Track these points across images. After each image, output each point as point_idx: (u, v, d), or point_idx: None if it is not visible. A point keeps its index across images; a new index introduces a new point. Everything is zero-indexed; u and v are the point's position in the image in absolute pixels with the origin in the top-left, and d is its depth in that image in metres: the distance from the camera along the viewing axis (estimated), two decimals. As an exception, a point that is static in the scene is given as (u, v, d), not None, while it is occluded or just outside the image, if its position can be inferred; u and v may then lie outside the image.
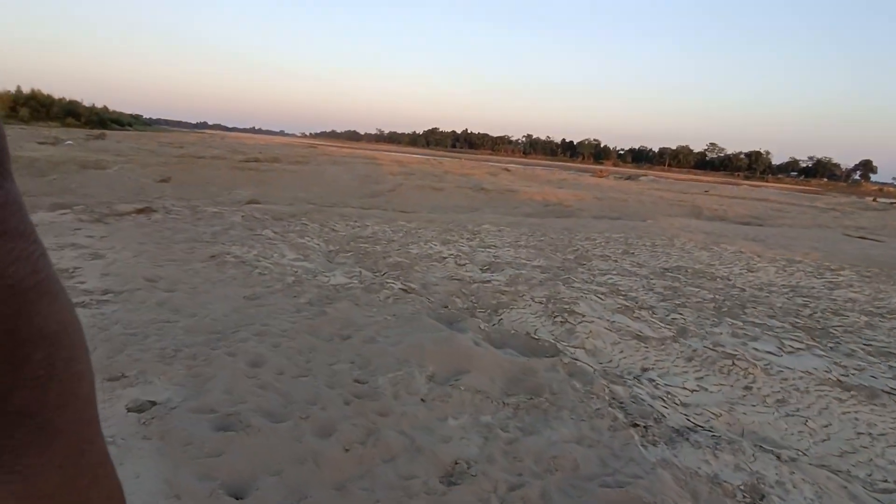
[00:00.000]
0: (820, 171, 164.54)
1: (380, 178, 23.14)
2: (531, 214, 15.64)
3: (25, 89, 37.61)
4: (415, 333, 3.36)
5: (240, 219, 7.39)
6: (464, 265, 5.99)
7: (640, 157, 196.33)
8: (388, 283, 4.77)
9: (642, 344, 3.94)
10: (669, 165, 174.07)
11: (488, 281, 5.31)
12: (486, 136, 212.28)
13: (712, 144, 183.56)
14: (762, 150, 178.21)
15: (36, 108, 36.00)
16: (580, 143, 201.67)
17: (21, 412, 0.18)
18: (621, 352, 3.80)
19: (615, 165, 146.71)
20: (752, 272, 7.41)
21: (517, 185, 21.92)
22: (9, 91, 36.44)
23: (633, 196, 22.52)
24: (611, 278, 6.08)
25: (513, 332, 3.86)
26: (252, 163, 23.16)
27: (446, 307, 4.38)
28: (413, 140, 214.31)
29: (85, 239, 5.41)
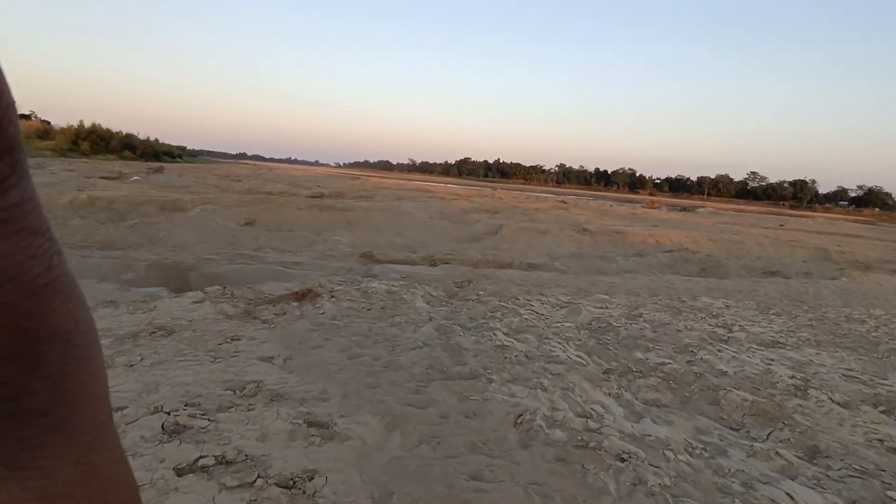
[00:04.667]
0: (872, 201, 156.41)
1: (461, 216, 21.14)
2: (672, 266, 13.24)
3: (87, 123, 37.47)
4: None
5: (425, 303, 5.28)
6: (853, 404, 3.68)
7: (677, 186, 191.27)
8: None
9: None
10: (709, 195, 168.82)
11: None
12: (518, 165, 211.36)
13: (753, 173, 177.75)
14: (808, 179, 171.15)
15: (96, 141, 35.59)
16: (615, 173, 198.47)
17: (36, 411, 0.18)
18: None
19: (651, 195, 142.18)
20: None
21: (619, 226, 19.51)
22: (72, 125, 36.26)
23: (751, 238, 19.80)
24: None
25: None
26: (321, 199, 21.65)
27: None
28: (446, 170, 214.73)
29: (269, 370, 3.33)
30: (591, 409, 3.05)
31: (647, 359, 4.27)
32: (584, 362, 4.01)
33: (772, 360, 4.57)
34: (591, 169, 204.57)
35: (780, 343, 5.26)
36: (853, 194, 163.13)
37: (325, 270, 8.27)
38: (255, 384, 3.05)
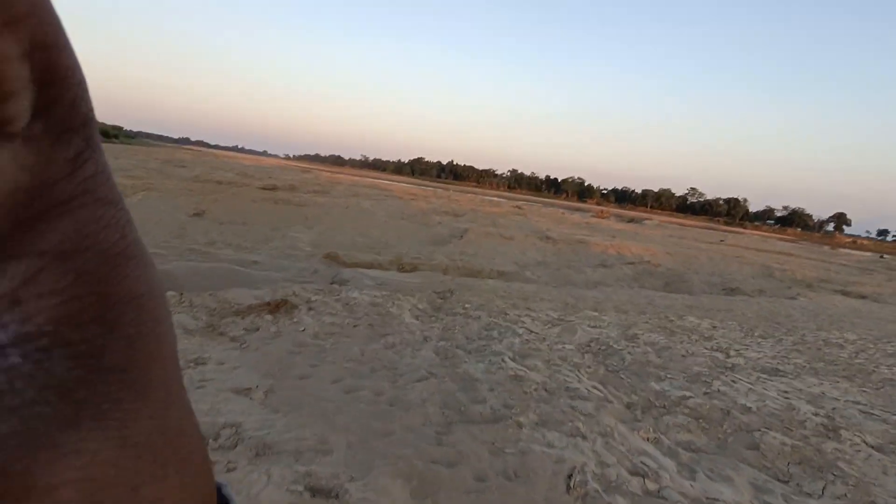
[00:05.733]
0: (795, 221, 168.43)
1: (422, 218, 20.59)
2: (638, 279, 13.26)
3: None
4: None
5: (414, 319, 4.71)
6: (886, 448, 3.45)
7: (623, 197, 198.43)
8: None
9: None
10: (652, 207, 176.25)
11: None
12: (471, 167, 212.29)
13: (693, 189, 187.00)
14: (740, 198, 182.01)
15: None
16: (565, 181, 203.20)
17: (115, 367, 0.19)
18: None
19: (599, 204, 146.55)
20: None
21: (579, 235, 19.56)
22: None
23: (703, 254, 20.40)
24: None
25: None
26: (274, 191, 20.54)
27: None
28: (398, 168, 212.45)
29: (248, 407, 2.67)
30: (641, 462, 2.61)
31: (664, 391, 3.91)
32: (602, 394, 3.59)
33: (786, 392, 4.33)
34: (542, 176, 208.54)
35: (780, 371, 5.07)
36: (779, 214, 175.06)
37: (289, 272, 7.52)
38: (234, 430, 2.39)
